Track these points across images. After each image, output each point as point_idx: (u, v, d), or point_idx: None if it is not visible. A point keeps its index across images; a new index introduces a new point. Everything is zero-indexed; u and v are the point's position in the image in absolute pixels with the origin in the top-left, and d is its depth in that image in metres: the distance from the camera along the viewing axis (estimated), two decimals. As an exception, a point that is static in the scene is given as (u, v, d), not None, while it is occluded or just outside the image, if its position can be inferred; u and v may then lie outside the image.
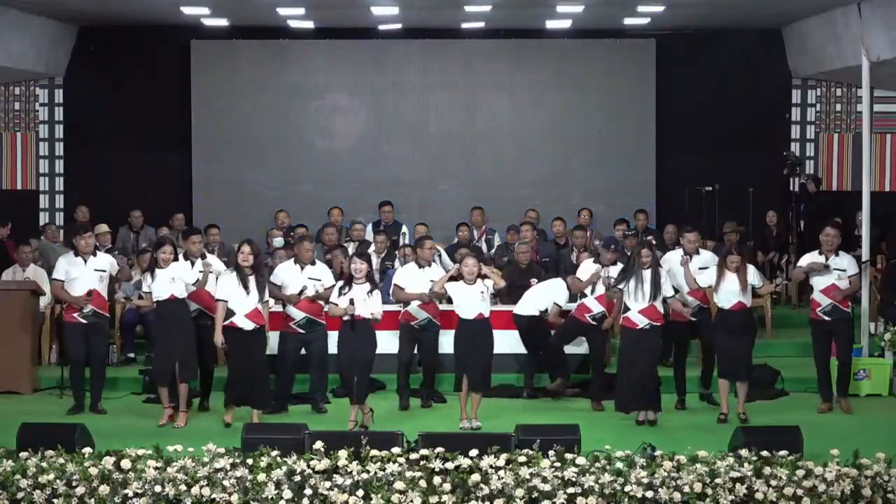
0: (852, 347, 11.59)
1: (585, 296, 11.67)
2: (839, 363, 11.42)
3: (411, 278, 11.67)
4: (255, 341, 10.69)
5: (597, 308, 11.57)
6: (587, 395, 11.72)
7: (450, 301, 11.34)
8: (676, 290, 11.17)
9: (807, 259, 11.51)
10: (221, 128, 17.29)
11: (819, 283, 11.31)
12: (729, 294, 10.98)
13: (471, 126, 17.39)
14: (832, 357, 11.50)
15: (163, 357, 10.87)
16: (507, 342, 12.01)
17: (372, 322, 10.53)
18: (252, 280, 10.62)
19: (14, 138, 17.50)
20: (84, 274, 11.17)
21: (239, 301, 10.59)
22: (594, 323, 11.60)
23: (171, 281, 10.75)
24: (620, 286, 10.89)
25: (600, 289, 11.48)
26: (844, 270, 11.27)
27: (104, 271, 11.30)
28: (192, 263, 11.19)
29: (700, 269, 11.43)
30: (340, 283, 10.79)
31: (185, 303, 10.93)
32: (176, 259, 10.92)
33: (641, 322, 10.75)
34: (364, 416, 10.65)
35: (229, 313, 10.62)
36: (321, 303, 11.37)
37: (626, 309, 10.82)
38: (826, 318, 11.27)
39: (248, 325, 10.60)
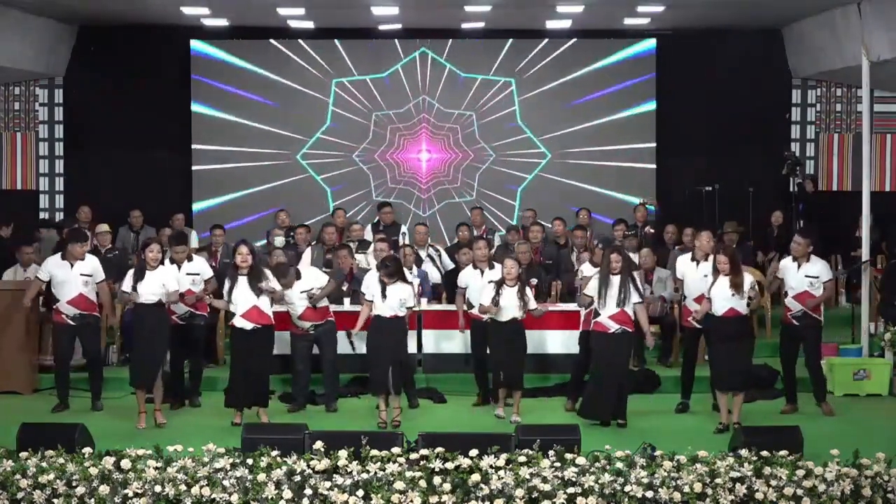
0: (821, 353, 11.46)
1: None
2: (810, 369, 11.29)
3: None
4: (255, 341, 10.60)
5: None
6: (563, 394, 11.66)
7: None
8: (684, 296, 11.16)
9: (779, 266, 11.44)
10: (221, 128, 17.30)
11: (792, 288, 11.18)
12: (720, 300, 10.51)
13: (470, 126, 17.39)
14: (807, 364, 11.41)
15: (145, 362, 10.69)
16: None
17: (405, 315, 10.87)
18: (243, 281, 10.55)
19: (14, 138, 17.50)
20: (70, 278, 11.22)
21: (235, 301, 10.60)
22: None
23: (161, 286, 10.65)
24: (589, 292, 10.82)
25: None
26: (817, 277, 11.10)
27: (90, 276, 11.28)
28: (179, 267, 11.24)
29: (704, 276, 11.06)
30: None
31: (164, 308, 10.83)
32: (163, 263, 10.86)
33: (612, 327, 10.66)
34: (394, 410, 10.76)
35: (231, 313, 10.73)
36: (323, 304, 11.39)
37: (597, 314, 10.75)
38: (795, 322, 11.15)
39: (247, 325, 10.58)
